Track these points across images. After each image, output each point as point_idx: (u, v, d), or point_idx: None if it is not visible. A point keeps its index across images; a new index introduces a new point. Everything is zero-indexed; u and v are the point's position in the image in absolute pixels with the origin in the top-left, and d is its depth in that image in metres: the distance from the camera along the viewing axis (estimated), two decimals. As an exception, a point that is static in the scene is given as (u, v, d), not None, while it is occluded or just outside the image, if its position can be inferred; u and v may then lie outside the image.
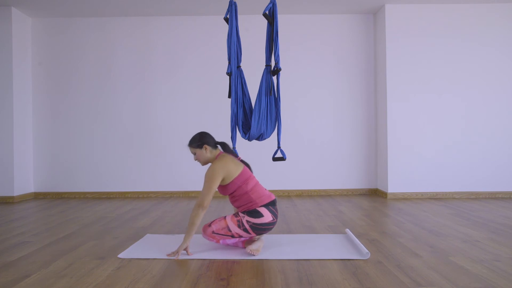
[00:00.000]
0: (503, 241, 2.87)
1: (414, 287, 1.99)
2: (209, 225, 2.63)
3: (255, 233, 2.60)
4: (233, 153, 2.80)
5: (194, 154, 2.71)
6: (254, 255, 2.51)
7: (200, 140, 2.68)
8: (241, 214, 2.60)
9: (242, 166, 2.65)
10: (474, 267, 2.29)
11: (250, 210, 2.59)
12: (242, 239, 2.68)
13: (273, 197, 2.68)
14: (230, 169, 2.58)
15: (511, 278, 2.11)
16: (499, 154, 5.14)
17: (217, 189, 2.64)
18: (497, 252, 2.60)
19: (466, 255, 2.53)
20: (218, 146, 2.77)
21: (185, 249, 2.55)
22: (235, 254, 2.57)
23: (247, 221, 2.56)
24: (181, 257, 2.51)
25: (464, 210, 4.17)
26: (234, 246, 2.73)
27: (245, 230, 2.56)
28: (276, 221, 2.66)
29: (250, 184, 2.62)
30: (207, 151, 2.68)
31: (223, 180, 2.59)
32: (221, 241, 2.65)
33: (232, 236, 2.59)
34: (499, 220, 3.65)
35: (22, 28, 5.40)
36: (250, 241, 2.68)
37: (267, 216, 2.59)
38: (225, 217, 2.64)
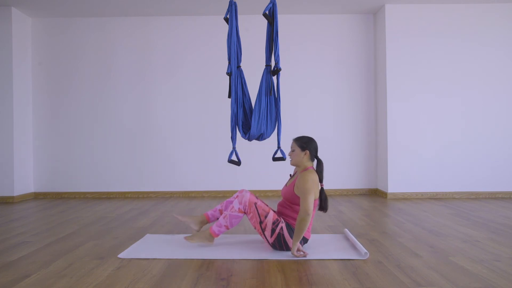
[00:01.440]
0: (503, 241, 2.87)
1: (414, 287, 1.99)
2: (256, 197, 2.68)
3: (274, 242, 2.61)
4: (321, 175, 2.73)
5: (293, 150, 2.73)
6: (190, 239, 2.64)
7: (306, 144, 2.71)
8: (282, 218, 2.63)
9: (318, 194, 2.64)
10: (474, 267, 2.29)
11: (290, 226, 2.62)
12: (237, 222, 2.68)
13: (310, 236, 2.71)
14: (316, 191, 2.60)
15: (511, 278, 2.11)
16: (499, 154, 5.14)
17: (281, 189, 2.76)
18: (497, 252, 2.60)
19: (466, 255, 2.53)
20: (315, 160, 2.76)
21: (298, 249, 2.54)
22: (235, 254, 2.57)
23: (281, 229, 2.58)
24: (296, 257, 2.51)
25: (464, 210, 4.17)
26: (234, 218, 2.68)
27: (273, 230, 2.58)
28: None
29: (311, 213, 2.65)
30: (304, 157, 2.70)
31: (299, 190, 2.58)
32: (244, 215, 2.67)
33: (261, 222, 2.59)
34: (499, 220, 3.65)
35: (22, 28, 5.40)
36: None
37: None
38: (270, 208, 2.67)
